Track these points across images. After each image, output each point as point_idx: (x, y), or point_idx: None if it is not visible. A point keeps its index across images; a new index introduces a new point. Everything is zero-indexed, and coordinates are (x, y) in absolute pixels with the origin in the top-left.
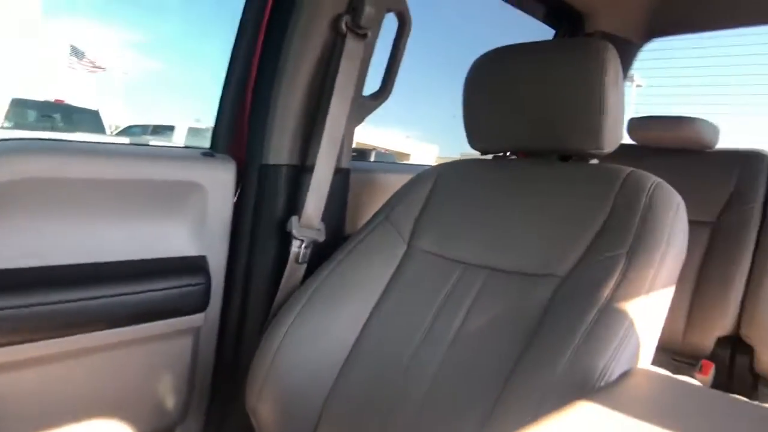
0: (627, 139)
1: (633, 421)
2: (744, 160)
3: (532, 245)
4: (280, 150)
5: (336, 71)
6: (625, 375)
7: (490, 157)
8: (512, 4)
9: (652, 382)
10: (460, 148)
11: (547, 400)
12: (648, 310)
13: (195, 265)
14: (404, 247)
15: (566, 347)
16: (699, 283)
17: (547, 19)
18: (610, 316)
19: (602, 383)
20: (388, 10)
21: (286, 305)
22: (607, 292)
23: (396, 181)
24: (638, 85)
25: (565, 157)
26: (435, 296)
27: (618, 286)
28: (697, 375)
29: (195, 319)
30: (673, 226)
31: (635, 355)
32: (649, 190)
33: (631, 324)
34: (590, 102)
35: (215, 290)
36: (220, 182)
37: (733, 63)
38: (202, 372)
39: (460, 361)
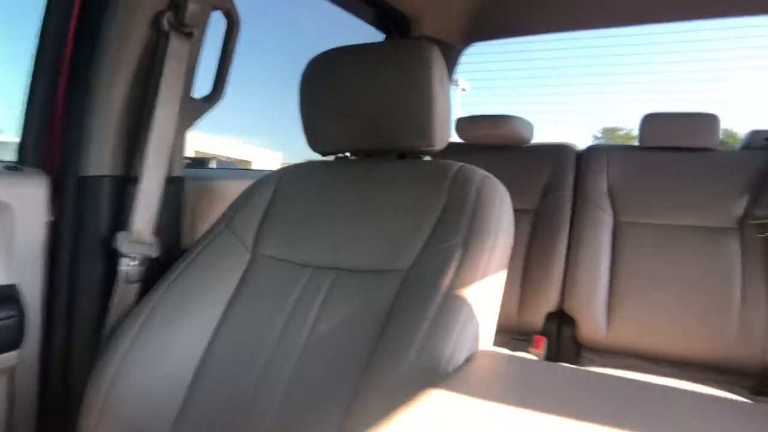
0: (456, 138)
1: (482, 401)
2: (555, 152)
3: (376, 242)
4: (100, 160)
5: (160, 73)
6: (470, 358)
7: (332, 158)
8: (344, 9)
9: (495, 361)
10: (308, 154)
11: (401, 390)
12: (485, 295)
13: (2, 297)
14: (248, 256)
15: (414, 336)
16: (526, 266)
17: (378, 23)
18: (452, 304)
19: (450, 368)
20: (214, 8)
21: (119, 329)
22: (447, 281)
23: (235, 189)
24: (463, 89)
25: (401, 156)
26: (284, 302)
27: (456, 274)
28: (532, 349)
29: (7, 358)
30: (501, 215)
31: (477, 338)
32: (477, 183)
33: (471, 309)
34: (419, 102)
35: (32, 323)
36: (29, 199)
37: (552, 66)
38: (21, 418)
39: (314, 364)
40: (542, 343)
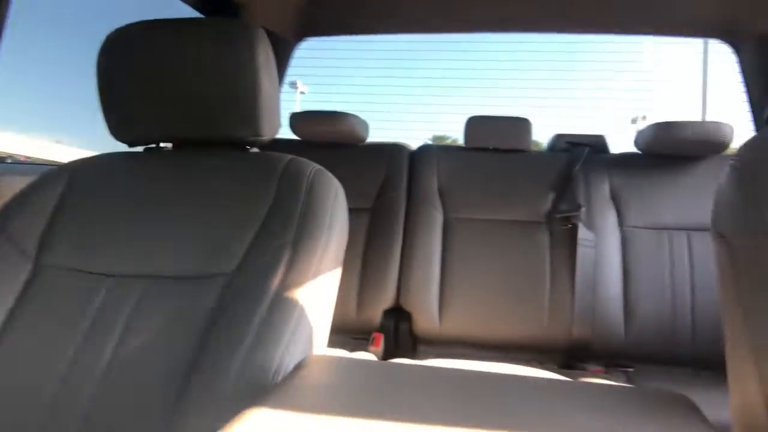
0: (290, 135)
1: (308, 414)
2: (390, 152)
3: (195, 245)
4: None
5: None
6: (299, 365)
7: (141, 149)
8: None
9: (326, 366)
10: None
11: (226, 407)
12: (318, 295)
13: None
14: (29, 266)
15: (239, 347)
16: (364, 264)
17: (201, 7)
18: (281, 307)
19: (279, 377)
20: None
21: None
22: (275, 283)
23: (14, 186)
24: (302, 92)
25: (224, 146)
26: (79, 319)
27: (286, 275)
28: (371, 348)
29: None
30: (335, 211)
31: (310, 342)
32: (309, 177)
33: (303, 312)
34: (244, 87)
35: None
36: None
37: (393, 71)
38: None
39: (120, 388)
40: (380, 341)
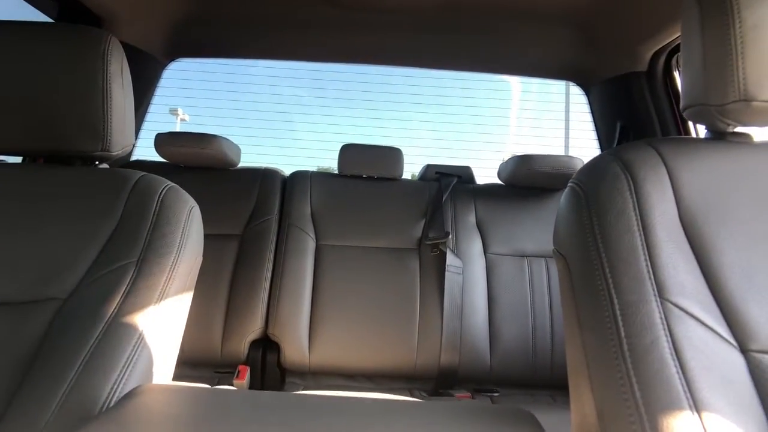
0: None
1: None
2: (263, 176)
3: (27, 267)
4: None
5: None
6: (129, 394)
7: None
8: None
9: (158, 394)
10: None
11: None
12: (162, 321)
13: None
14: None
15: (65, 376)
16: (231, 293)
17: (61, 20)
18: (117, 333)
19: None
20: None
21: None
22: (112, 307)
23: None
24: (183, 119)
25: (68, 161)
26: None
27: (126, 298)
28: (236, 381)
29: None
30: (188, 229)
31: (149, 372)
32: (160, 194)
33: (143, 338)
34: (91, 97)
35: None
36: None
37: (270, 92)
38: None
39: None
40: (246, 373)
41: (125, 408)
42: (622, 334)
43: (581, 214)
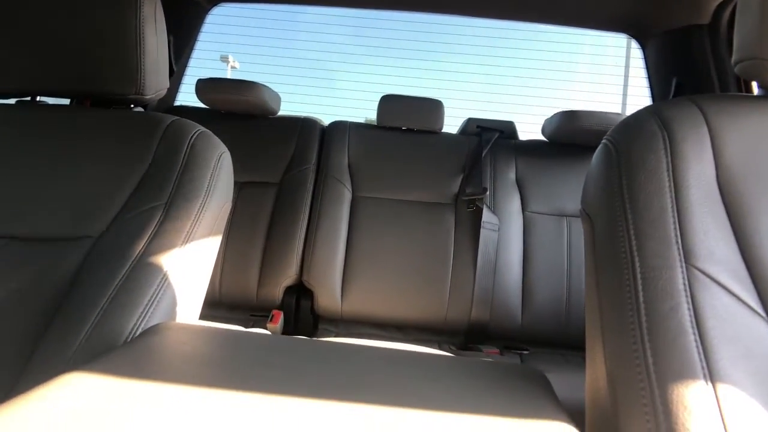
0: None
1: (125, 379)
2: (302, 126)
3: (64, 206)
4: None
5: None
6: (148, 330)
7: (13, 102)
8: None
9: (176, 332)
10: None
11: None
12: (187, 263)
13: None
14: None
15: (92, 311)
16: (268, 240)
17: None
18: (142, 272)
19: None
20: None
21: None
22: (139, 248)
23: None
24: (233, 67)
25: (105, 104)
26: None
27: (153, 240)
28: (269, 325)
29: None
30: (217, 175)
31: (173, 310)
32: (191, 139)
33: (166, 277)
34: (125, 40)
35: None
36: None
37: (325, 49)
38: None
39: None
40: (279, 318)
41: (140, 343)
42: (641, 299)
43: (611, 173)
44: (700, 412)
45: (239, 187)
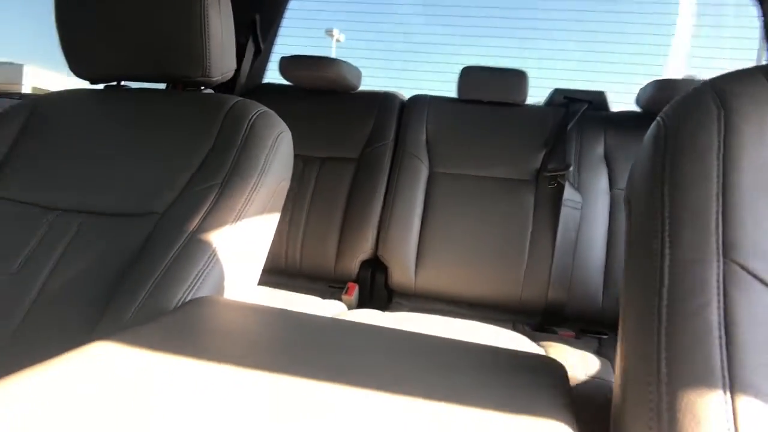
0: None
1: (147, 351)
2: (381, 101)
3: (136, 183)
4: None
5: None
6: (188, 303)
7: (101, 87)
8: None
9: (214, 307)
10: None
11: None
12: (238, 239)
13: None
14: None
15: (147, 282)
16: (346, 215)
17: None
18: (194, 247)
19: None
20: None
21: None
22: (194, 224)
23: None
24: (338, 40)
25: (179, 87)
26: (19, 250)
27: (207, 217)
28: (344, 296)
29: None
30: (273, 154)
31: (220, 285)
32: (251, 119)
33: (215, 253)
34: (190, 26)
35: None
36: None
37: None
38: None
39: (44, 320)
40: (354, 290)
41: (173, 315)
42: (664, 294)
43: (656, 153)
44: (711, 425)
45: (320, 162)
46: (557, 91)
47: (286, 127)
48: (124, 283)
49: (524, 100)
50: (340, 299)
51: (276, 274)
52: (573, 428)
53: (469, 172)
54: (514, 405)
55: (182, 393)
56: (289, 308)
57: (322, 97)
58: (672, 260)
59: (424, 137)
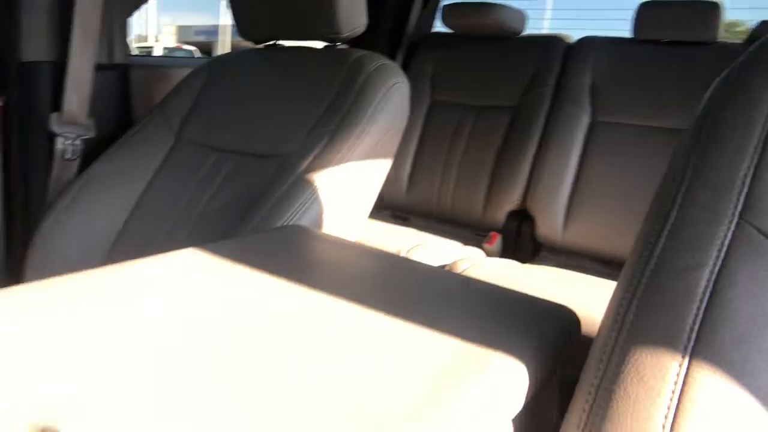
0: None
1: (225, 261)
2: (543, 44)
3: (272, 129)
4: (35, 46)
5: None
6: (273, 229)
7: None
8: None
9: (293, 235)
10: None
11: None
12: (341, 181)
13: None
14: (172, 139)
15: (258, 213)
16: (497, 163)
17: None
18: (298, 186)
19: None
20: None
21: (58, 199)
22: (304, 165)
23: (178, 76)
24: None
25: (320, 42)
26: (191, 182)
27: (314, 159)
28: (486, 245)
29: None
30: (384, 103)
31: (318, 219)
32: (368, 71)
33: (315, 191)
34: None
35: None
36: None
37: None
38: None
39: (204, 230)
40: (496, 240)
41: (261, 236)
42: (656, 252)
43: (708, 102)
44: (653, 389)
45: (477, 110)
46: (764, 24)
47: (404, 78)
48: (249, 212)
49: (715, 37)
50: (480, 246)
51: (425, 217)
52: (528, 366)
53: (636, 121)
54: (491, 338)
55: (240, 306)
56: (426, 250)
57: (485, 43)
58: (677, 218)
59: (587, 82)
